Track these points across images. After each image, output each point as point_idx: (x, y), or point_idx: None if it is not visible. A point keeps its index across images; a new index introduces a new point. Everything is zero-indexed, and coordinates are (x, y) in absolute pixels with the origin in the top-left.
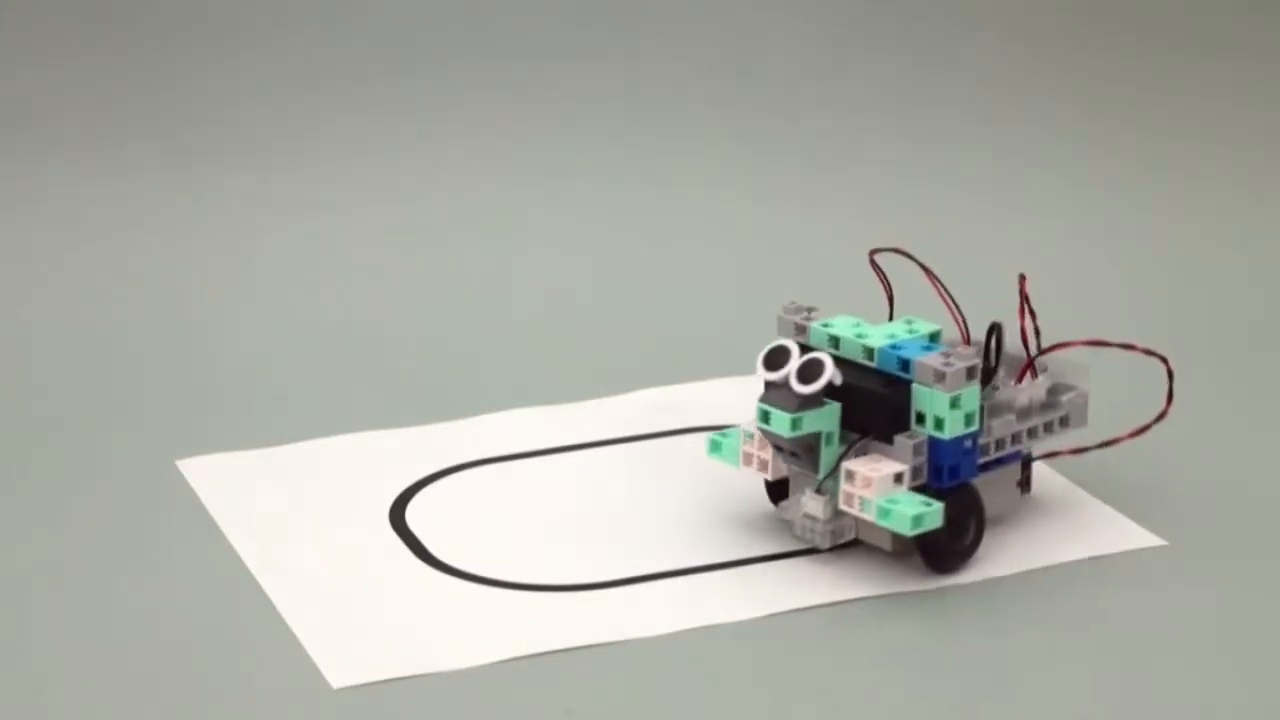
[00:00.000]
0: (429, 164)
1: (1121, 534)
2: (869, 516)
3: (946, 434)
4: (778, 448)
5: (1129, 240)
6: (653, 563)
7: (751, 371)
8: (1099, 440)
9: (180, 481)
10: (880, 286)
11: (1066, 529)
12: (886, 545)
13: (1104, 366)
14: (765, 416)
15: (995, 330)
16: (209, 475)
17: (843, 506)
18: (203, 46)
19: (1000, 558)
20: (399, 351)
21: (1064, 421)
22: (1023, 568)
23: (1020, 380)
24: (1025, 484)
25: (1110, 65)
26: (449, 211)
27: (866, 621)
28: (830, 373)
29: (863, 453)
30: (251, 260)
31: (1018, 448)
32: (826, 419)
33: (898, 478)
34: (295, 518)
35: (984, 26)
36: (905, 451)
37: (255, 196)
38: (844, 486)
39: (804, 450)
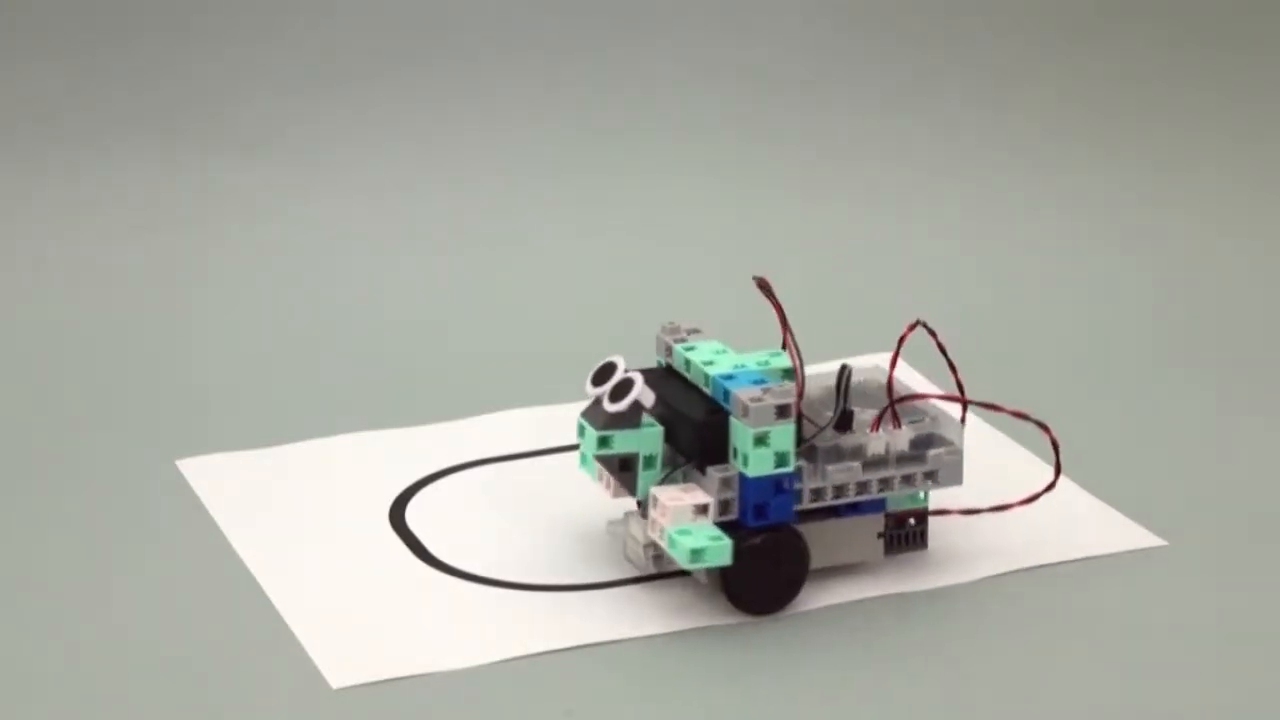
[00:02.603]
0: (430, 163)
1: (1121, 534)
2: (664, 545)
3: (750, 471)
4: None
5: (1130, 239)
6: None
7: None
8: (990, 504)
9: (180, 481)
10: (773, 309)
11: (1066, 529)
12: (702, 577)
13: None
14: (580, 430)
15: (843, 373)
16: (209, 475)
17: (650, 532)
18: (202, 44)
19: (999, 558)
20: (398, 351)
21: (932, 477)
22: (1021, 567)
23: (875, 428)
24: (904, 540)
25: (1111, 65)
26: (450, 211)
27: (865, 622)
28: (637, 393)
29: (686, 480)
30: (252, 260)
31: (869, 497)
32: (645, 441)
33: (701, 509)
34: (295, 518)
35: (983, 26)
36: (713, 484)
37: (255, 196)
38: (651, 512)
39: (617, 470)
